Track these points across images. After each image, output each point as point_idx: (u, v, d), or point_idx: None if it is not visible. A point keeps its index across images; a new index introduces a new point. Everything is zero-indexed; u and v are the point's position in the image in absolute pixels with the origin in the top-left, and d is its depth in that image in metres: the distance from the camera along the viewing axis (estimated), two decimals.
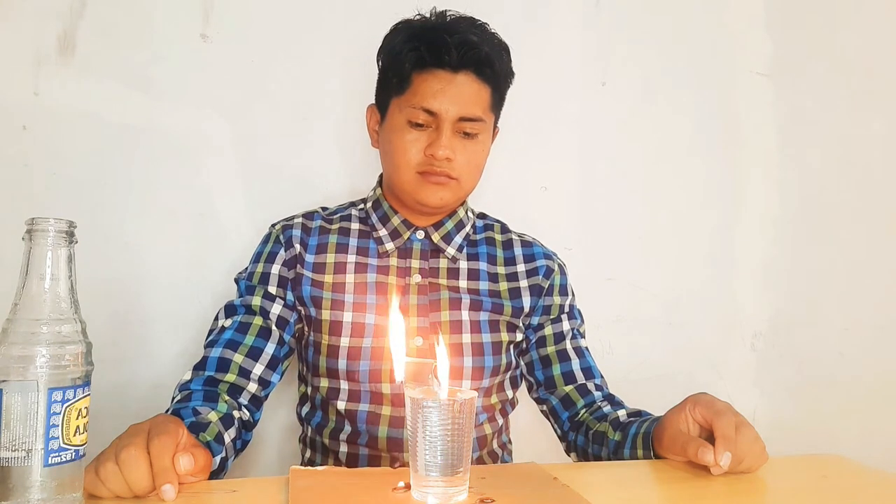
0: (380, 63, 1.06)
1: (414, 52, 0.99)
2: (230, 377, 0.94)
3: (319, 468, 0.76)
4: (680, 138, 1.61)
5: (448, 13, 1.02)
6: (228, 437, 0.86)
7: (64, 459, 0.57)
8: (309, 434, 1.09)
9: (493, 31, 1.03)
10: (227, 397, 0.92)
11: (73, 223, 0.60)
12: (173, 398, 0.92)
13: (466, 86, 0.99)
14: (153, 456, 0.64)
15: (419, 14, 1.03)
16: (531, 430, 1.34)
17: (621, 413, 0.99)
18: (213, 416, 0.85)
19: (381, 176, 1.13)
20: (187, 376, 0.94)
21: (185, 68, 1.32)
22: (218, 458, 0.82)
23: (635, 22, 1.58)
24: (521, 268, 1.11)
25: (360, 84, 1.18)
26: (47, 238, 0.58)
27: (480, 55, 0.99)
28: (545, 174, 1.53)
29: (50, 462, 0.56)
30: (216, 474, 0.83)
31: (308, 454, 1.09)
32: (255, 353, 0.97)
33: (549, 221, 1.51)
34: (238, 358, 0.96)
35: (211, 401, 0.90)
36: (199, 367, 0.95)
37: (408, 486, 0.67)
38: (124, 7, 1.29)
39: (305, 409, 1.09)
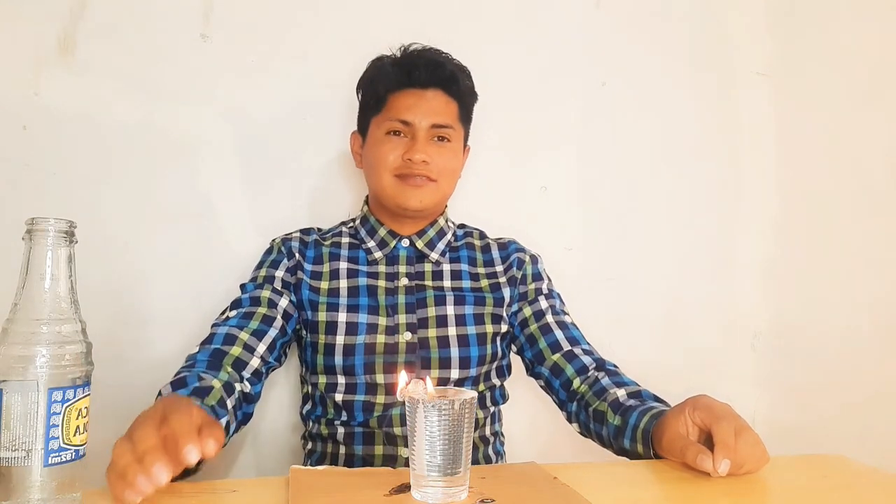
0: (359, 95, 1.18)
1: (387, 76, 1.12)
2: (236, 350, 0.99)
3: (319, 468, 0.76)
4: (680, 138, 1.61)
5: (413, 45, 1.15)
6: (230, 403, 0.90)
7: (64, 459, 0.57)
8: (310, 427, 1.14)
9: (454, 58, 1.15)
10: (230, 369, 0.97)
11: (73, 223, 0.60)
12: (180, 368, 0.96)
13: (435, 100, 1.11)
14: (173, 426, 0.63)
15: (391, 52, 1.15)
16: (531, 430, 1.34)
17: (621, 393, 1.00)
18: (216, 383, 0.90)
19: (367, 197, 1.21)
20: (195, 349, 0.99)
21: (185, 68, 1.32)
22: (224, 421, 0.86)
23: (635, 22, 1.58)
24: (499, 268, 1.18)
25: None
26: (47, 238, 0.58)
27: (446, 73, 1.12)
28: (545, 174, 1.53)
29: (50, 462, 0.56)
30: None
31: (309, 445, 1.14)
32: (259, 335, 1.03)
33: (549, 221, 1.51)
34: (244, 335, 1.02)
35: (214, 369, 0.95)
36: (207, 341, 1.01)
37: (407, 487, 0.67)
38: (124, 7, 1.29)
39: (307, 408, 1.14)
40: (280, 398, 1.36)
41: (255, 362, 1.01)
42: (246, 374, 0.99)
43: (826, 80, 1.68)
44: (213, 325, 1.04)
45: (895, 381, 1.67)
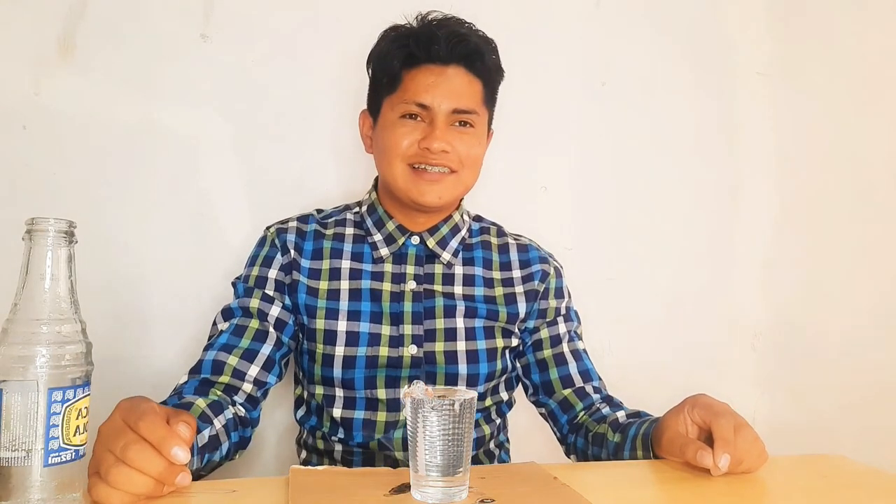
0: (370, 70, 1.06)
1: (403, 50, 0.99)
2: (224, 378, 0.93)
3: (319, 468, 0.76)
4: (680, 138, 1.61)
5: (432, 14, 1.02)
6: (219, 422, 0.85)
7: (64, 459, 0.57)
8: (304, 436, 1.09)
9: (478, 29, 1.03)
10: (220, 393, 0.92)
11: (73, 223, 0.60)
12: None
13: (458, 78, 0.99)
14: (147, 436, 0.61)
15: (406, 21, 1.03)
16: (530, 431, 1.34)
17: (620, 414, 0.99)
18: (200, 402, 0.84)
19: (376, 179, 1.12)
20: (183, 379, 0.94)
21: (185, 68, 1.32)
22: (206, 434, 0.81)
23: (635, 22, 1.58)
24: (516, 273, 1.10)
25: (360, 84, 1.18)
26: (47, 238, 0.58)
27: (470, 47, 0.99)
28: (545, 174, 1.53)
29: (50, 462, 0.56)
30: (211, 450, 0.82)
31: (304, 455, 1.10)
32: (250, 356, 0.96)
33: (549, 221, 1.51)
34: (232, 360, 0.95)
35: (201, 395, 0.90)
36: (195, 370, 0.94)
37: (407, 487, 0.67)
38: (124, 7, 1.29)
39: (301, 413, 1.09)
40: (281, 397, 1.36)
41: (247, 387, 0.94)
42: (239, 399, 0.93)
43: (826, 80, 1.68)
44: (205, 349, 0.97)
45: (895, 381, 1.67)
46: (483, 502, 0.65)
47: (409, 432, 0.66)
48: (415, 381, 0.67)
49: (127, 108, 1.29)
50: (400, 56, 0.99)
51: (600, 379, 1.09)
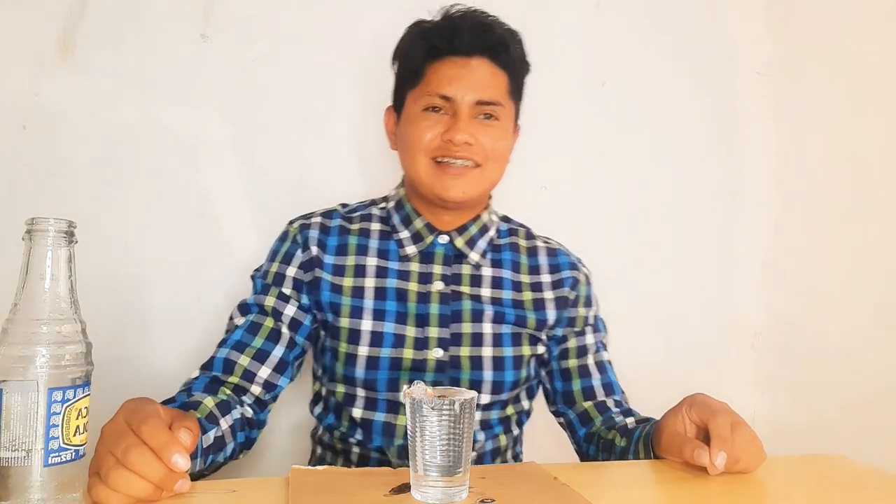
0: (394, 66, 1.05)
1: (426, 42, 0.98)
2: (234, 378, 0.93)
3: (319, 468, 0.76)
4: (680, 138, 1.61)
5: (455, 7, 1.01)
6: (225, 422, 0.84)
7: (64, 459, 0.57)
8: (320, 432, 1.07)
9: (504, 22, 1.02)
10: (229, 392, 0.91)
11: (73, 223, 0.60)
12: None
13: (481, 70, 0.97)
14: (149, 441, 0.61)
15: (430, 16, 1.02)
16: (532, 430, 1.34)
17: (629, 420, 0.99)
18: (208, 401, 0.84)
19: (404, 176, 1.10)
20: (194, 374, 0.93)
21: (185, 68, 1.32)
22: (212, 434, 0.80)
23: (635, 22, 1.58)
24: (546, 278, 1.08)
25: (360, 84, 1.19)
26: (47, 238, 0.58)
27: (493, 38, 0.98)
28: (545, 174, 1.53)
29: (50, 462, 0.56)
30: (215, 451, 0.82)
31: (319, 451, 1.08)
32: (261, 356, 0.95)
33: (549, 221, 1.51)
34: (244, 360, 0.94)
35: (211, 393, 0.89)
36: (206, 366, 0.94)
37: (407, 487, 0.67)
38: (124, 7, 1.29)
39: (318, 409, 1.07)
40: (287, 398, 1.35)
41: (255, 390, 0.94)
42: (247, 400, 0.93)
43: (826, 80, 1.68)
44: (219, 344, 0.96)
45: (895, 380, 1.67)
46: (483, 502, 0.65)
47: (409, 432, 0.66)
48: (415, 382, 0.67)
49: (127, 108, 1.29)
50: (423, 49, 0.98)
51: (623, 392, 1.08)
